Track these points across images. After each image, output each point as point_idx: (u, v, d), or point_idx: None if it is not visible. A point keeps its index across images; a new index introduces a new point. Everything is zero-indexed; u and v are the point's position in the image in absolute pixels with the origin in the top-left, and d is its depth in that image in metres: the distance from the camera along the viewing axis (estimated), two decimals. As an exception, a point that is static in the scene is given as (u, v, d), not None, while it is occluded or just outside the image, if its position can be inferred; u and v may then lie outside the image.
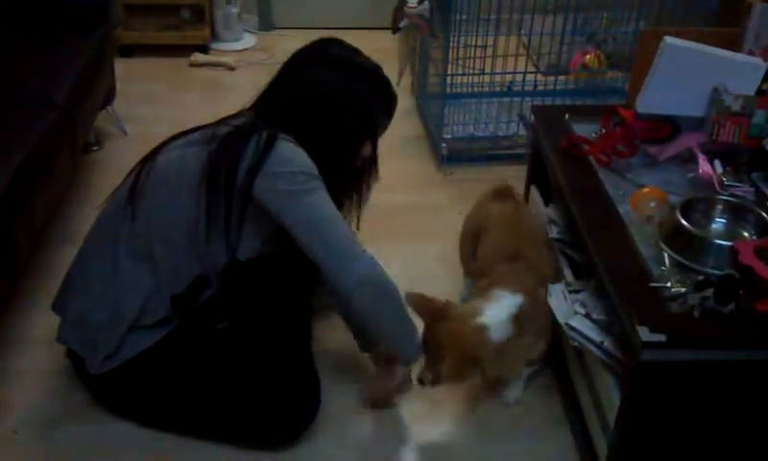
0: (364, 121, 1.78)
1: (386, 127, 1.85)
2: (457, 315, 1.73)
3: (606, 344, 1.66)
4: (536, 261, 1.86)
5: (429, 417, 1.91)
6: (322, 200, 1.65)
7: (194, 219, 1.68)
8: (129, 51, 3.76)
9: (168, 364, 1.74)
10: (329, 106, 1.73)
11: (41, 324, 2.08)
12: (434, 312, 1.73)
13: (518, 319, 1.74)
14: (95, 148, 2.94)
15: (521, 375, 1.92)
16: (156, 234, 1.70)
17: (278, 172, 1.62)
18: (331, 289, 1.78)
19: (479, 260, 1.96)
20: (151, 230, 1.71)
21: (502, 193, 2.08)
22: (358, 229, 1.91)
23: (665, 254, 1.62)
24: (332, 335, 2.10)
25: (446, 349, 1.68)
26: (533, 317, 1.77)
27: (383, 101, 1.81)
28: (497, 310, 1.73)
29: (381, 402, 1.90)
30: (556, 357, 1.98)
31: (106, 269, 1.73)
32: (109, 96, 2.95)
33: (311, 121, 1.72)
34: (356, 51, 1.81)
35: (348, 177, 1.86)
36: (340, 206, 1.81)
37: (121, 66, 3.14)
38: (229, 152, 1.65)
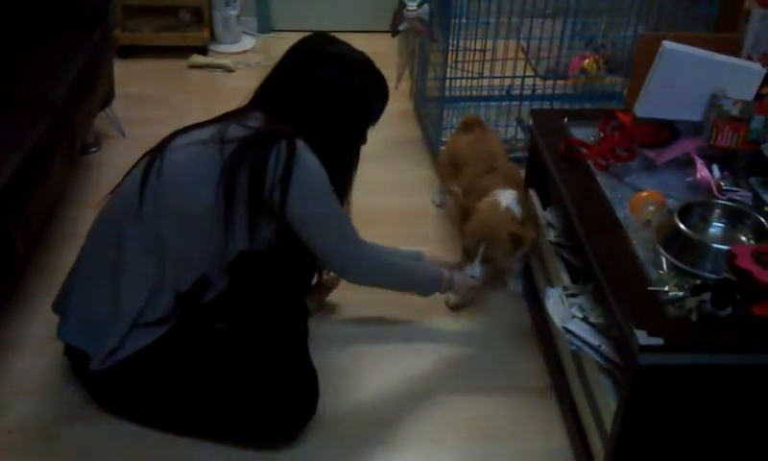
0: (365, 111, 1.86)
1: (382, 112, 1.92)
2: (483, 207, 2.12)
3: (603, 347, 1.66)
4: (506, 169, 2.32)
5: (425, 419, 1.91)
6: (337, 209, 1.83)
7: (210, 215, 1.70)
8: (127, 52, 3.76)
9: (167, 362, 1.74)
10: (333, 103, 1.79)
11: (38, 324, 2.08)
12: (464, 212, 2.15)
13: (520, 202, 2.15)
14: (93, 150, 2.94)
15: (521, 266, 2.30)
16: (168, 228, 1.71)
17: (308, 195, 1.74)
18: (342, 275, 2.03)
19: (464, 181, 2.35)
20: (162, 224, 1.71)
21: (469, 123, 2.51)
22: (350, 212, 2.03)
23: (663, 258, 1.62)
24: (327, 338, 2.10)
25: (488, 231, 2.06)
26: (525, 204, 2.18)
27: (379, 88, 1.88)
28: (508, 198, 2.13)
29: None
30: (553, 361, 1.99)
31: (109, 265, 1.73)
32: (108, 97, 2.95)
33: (318, 119, 1.77)
34: (345, 44, 1.86)
35: (355, 166, 1.95)
36: (346, 193, 1.96)
37: (119, 67, 3.14)
38: (251, 158, 1.70)
